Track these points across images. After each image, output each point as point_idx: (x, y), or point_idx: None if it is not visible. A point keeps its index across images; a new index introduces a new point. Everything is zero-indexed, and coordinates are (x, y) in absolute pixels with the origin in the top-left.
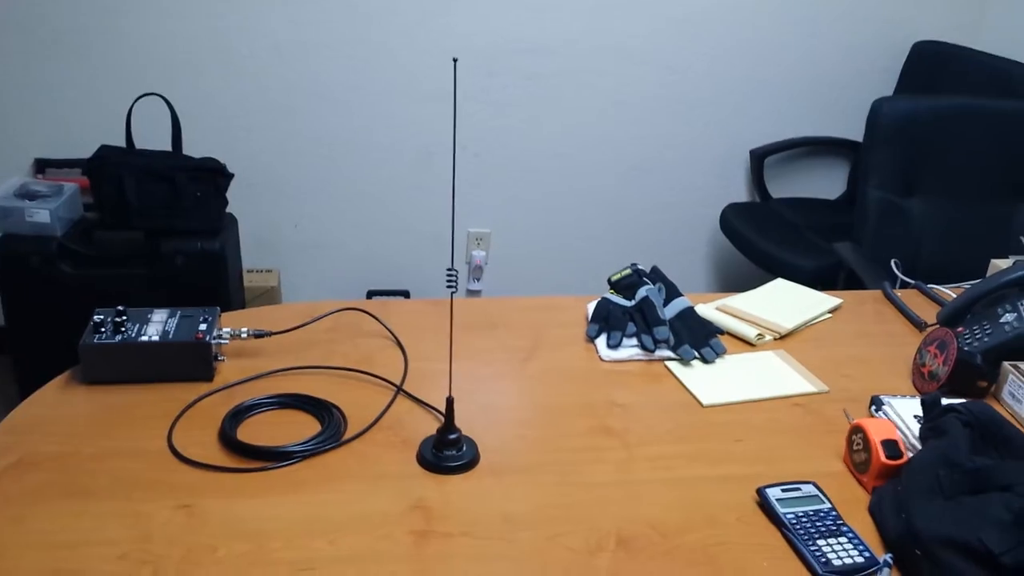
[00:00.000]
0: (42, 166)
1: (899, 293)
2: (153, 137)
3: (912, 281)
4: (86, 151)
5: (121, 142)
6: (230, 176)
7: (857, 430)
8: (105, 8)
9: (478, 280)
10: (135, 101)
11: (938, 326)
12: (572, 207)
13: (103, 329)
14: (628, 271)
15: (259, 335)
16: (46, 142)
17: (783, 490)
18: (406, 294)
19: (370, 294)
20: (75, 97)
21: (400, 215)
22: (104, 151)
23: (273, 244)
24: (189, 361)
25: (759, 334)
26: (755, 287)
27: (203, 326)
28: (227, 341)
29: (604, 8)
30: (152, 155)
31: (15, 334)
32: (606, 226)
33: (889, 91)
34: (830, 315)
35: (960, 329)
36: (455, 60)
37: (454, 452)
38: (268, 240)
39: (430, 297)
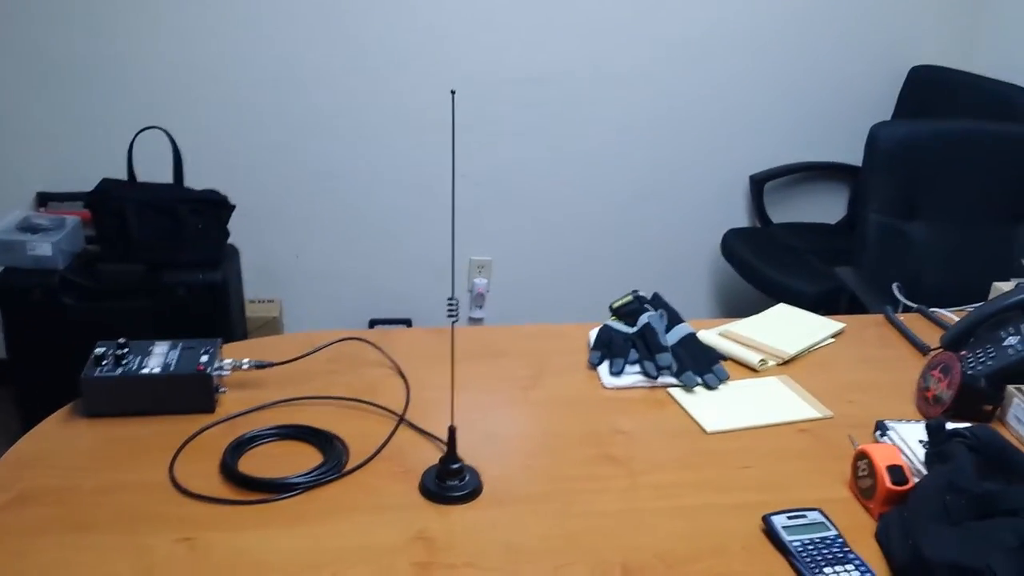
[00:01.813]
0: (44, 200)
1: (901, 317)
2: (155, 170)
3: (915, 305)
4: (87, 184)
5: (122, 175)
6: (231, 208)
7: (862, 456)
8: (105, 42)
9: (480, 308)
10: (136, 134)
11: (942, 350)
12: (573, 234)
13: (104, 362)
14: (629, 298)
15: (260, 366)
16: (47, 176)
17: (789, 517)
18: (408, 323)
19: (372, 323)
20: (76, 131)
21: (401, 244)
22: (106, 184)
23: (275, 275)
24: (191, 393)
25: (762, 360)
26: (757, 312)
27: (204, 358)
28: (228, 373)
29: (601, 37)
30: (154, 188)
31: (17, 367)
32: (607, 253)
33: (887, 115)
34: (833, 340)
35: (964, 353)
36: (453, 92)
37: (457, 482)
38: (270, 271)
39: (432, 325)
